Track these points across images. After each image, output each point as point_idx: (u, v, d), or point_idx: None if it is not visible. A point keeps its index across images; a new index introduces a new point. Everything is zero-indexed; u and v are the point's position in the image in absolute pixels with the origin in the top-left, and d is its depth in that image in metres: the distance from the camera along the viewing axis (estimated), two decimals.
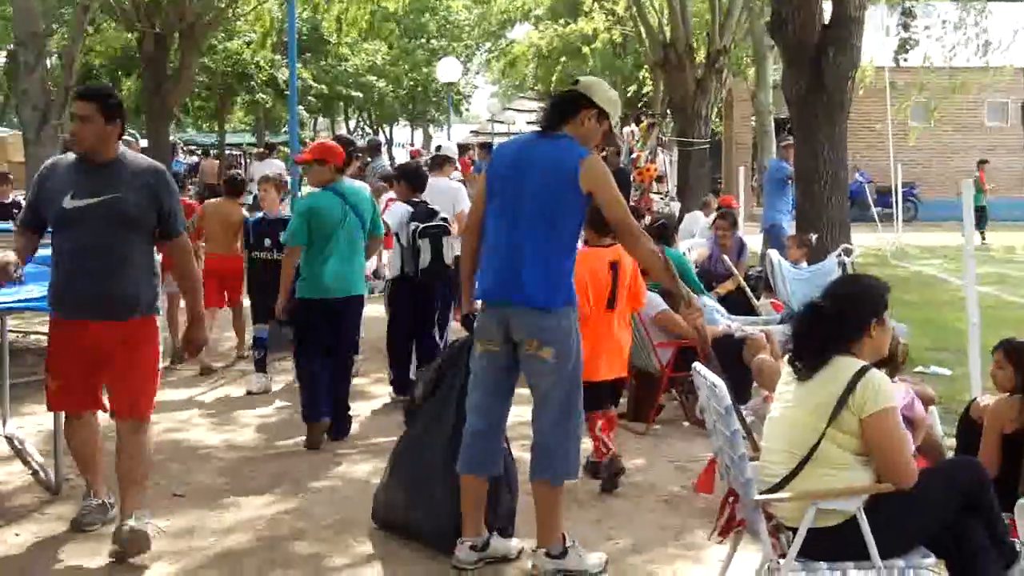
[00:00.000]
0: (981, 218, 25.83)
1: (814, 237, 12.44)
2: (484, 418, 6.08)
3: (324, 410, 8.92)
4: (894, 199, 27.00)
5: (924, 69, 24.91)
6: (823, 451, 4.86)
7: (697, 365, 5.50)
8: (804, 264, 11.99)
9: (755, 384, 8.56)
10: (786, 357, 5.25)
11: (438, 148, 12.51)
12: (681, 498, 7.60)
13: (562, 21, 37.08)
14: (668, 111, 26.86)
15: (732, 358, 9.40)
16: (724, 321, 9.99)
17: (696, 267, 12.64)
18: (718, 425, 5.16)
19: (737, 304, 11.43)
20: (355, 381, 10.15)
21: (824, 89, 12.75)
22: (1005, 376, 6.48)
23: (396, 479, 6.73)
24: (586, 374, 6.42)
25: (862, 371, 4.86)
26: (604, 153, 26.27)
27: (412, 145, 46.34)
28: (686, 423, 9.76)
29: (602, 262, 7.97)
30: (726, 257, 12.24)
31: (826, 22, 12.99)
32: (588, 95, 6.00)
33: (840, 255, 11.81)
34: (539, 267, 5.83)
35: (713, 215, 16.21)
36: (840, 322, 5.00)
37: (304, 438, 8.96)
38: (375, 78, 44.12)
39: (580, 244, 6.64)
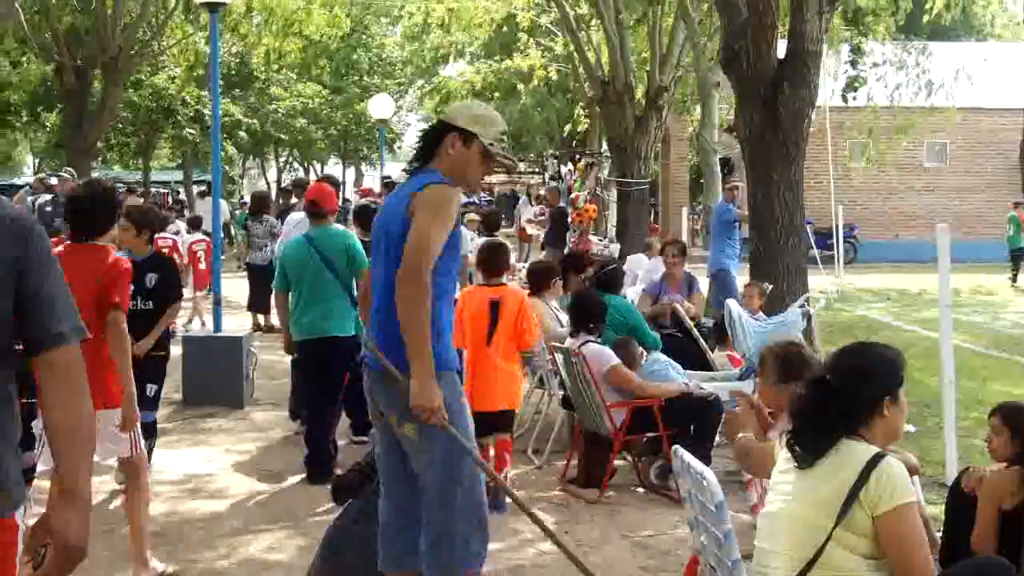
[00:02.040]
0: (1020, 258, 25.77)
1: (768, 286, 11.69)
2: (387, 506, 5.31)
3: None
4: (835, 241, 26.52)
5: (868, 109, 24.51)
6: (830, 555, 4.06)
7: (678, 448, 4.72)
8: (761, 314, 11.24)
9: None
10: (783, 439, 4.47)
11: (386, 178, 11.97)
12: None
13: (497, 58, 36.49)
14: (606, 150, 26.26)
15: (691, 420, 8.71)
16: (680, 378, 9.22)
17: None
18: (705, 523, 4.37)
19: (687, 356, 10.69)
20: None
21: (779, 127, 12.02)
22: (1002, 444, 5.82)
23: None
24: (477, 405, 6.89)
25: (875, 460, 4.08)
26: (543, 191, 25.78)
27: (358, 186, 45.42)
28: (640, 488, 9.01)
29: (483, 300, 8.54)
30: (677, 304, 11.52)
31: (781, 56, 12.29)
32: (449, 120, 5.25)
33: (803, 304, 11.03)
34: (389, 328, 5.02)
35: (657, 257, 15.54)
36: (848, 400, 4.22)
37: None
38: (305, 121, 43.31)
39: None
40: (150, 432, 8.41)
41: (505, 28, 33.20)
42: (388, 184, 25.64)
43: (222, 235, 16.36)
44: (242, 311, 18.22)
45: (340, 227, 9.76)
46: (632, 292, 13.06)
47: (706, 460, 8.57)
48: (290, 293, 9.37)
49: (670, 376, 9.13)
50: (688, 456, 4.55)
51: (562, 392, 9.62)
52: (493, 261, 8.91)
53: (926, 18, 19.81)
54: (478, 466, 5.06)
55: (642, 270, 15.35)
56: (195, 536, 7.66)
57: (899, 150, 30.52)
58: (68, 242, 6.67)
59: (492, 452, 8.50)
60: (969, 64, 27.50)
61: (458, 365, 5.20)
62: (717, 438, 8.94)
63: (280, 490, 8.99)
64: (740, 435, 5.19)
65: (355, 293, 9.04)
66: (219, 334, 12.41)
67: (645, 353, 9.43)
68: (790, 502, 4.22)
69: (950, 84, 25.38)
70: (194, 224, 20.26)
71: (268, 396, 12.60)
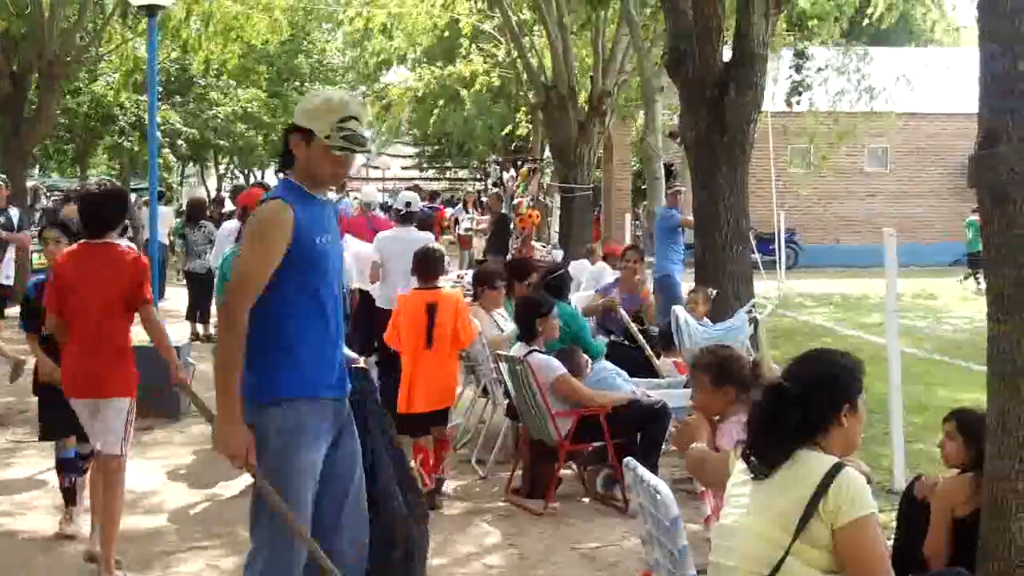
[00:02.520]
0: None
1: (714, 292, 11.54)
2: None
3: None
4: (777, 246, 26.52)
5: (809, 114, 24.51)
6: (788, 569, 3.91)
7: (631, 461, 4.55)
8: (707, 320, 11.10)
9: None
10: (738, 450, 4.31)
11: (408, 204, 12.44)
12: None
13: (439, 64, 36.23)
14: (549, 156, 26.13)
15: (638, 429, 8.57)
16: (627, 386, 9.07)
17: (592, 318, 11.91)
18: (659, 538, 4.20)
19: (633, 364, 10.54)
20: None
21: (725, 130, 11.87)
22: (955, 450, 5.77)
23: None
24: (403, 407, 8.49)
25: (834, 470, 3.94)
26: (485, 198, 25.63)
27: None
28: (586, 499, 8.86)
29: (420, 304, 8.92)
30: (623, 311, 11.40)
31: (727, 59, 12.17)
32: (295, 120, 4.92)
33: (751, 310, 10.90)
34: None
35: (600, 263, 15.41)
36: (806, 408, 4.08)
37: None
38: (245, 127, 42.82)
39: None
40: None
41: (447, 34, 32.97)
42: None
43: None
44: (181, 320, 17.93)
45: None
46: (575, 298, 12.92)
47: (654, 469, 8.45)
48: None
49: (617, 384, 9.00)
50: (641, 469, 4.38)
51: (507, 401, 9.44)
52: (428, 266, 9.23)
53: (866, 22, 19.85)
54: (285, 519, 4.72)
55: (585, 276, 15.21)
56: (132, 553, 7.41)
57: (840, 155, 30.56)
58: (83, 241, 6.93)
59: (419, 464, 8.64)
60: (909, 70, 27.58)
61: (320, 391, 4.82)
62: (664, 446, 8.80)
63: (217, 504, 8.77)
64: (693, 445, 5.03)
65: None
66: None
67: (591, 361, 9.27)
68: (746, 515, 4.07)
69: (891, 89, 25.40)
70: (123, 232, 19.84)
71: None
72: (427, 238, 11.89)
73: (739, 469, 4.24)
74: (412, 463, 8.00)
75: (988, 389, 5.54)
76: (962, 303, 23.28)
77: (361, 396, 5.33)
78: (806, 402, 4.08)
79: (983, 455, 5.36)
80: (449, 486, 9.21)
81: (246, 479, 9.12)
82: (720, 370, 5.84)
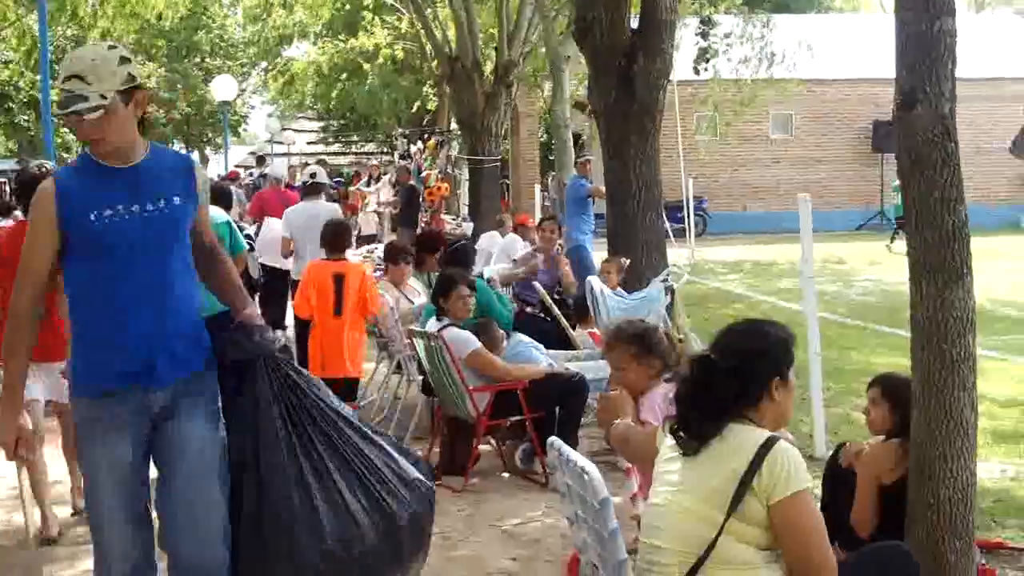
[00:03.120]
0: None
1: (627, 262, 11.42)
2: None
3: None
4: (686, 213, 26.57)
5: (714, 82, 24.52)
6: (723, 548, 3.78)
7: (555, 440, 4.39)
8: (621, 290, 10.97)
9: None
10: (666, 425, 4.17)
11: (313, 175, 12.64)
12: (516, 575, 6.51)
13: (342, 37, 35.82)
14: (456, 128, 25.91)
15: (557, 402, 8.44)
16: (544, 359, 8.93)
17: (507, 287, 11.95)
18: (588, 520, 4.05)
19: (549, 336, 10.41)
20: None
21: (635, 99, 11.72)
22: (881, 416, 5.71)
23: None
24: (317, 372, 7.57)
25: (767, 444, 3.81)
26: (394, 172, 25.33)
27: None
28: (506, 474, 8.72)
29: (327, 274, 9.27)
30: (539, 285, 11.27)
31: (635, 27, 12.03)
32: None
33: (666, 279, 10.78)
34: None
35: (511, 234, 15.28)
36: (736, 380, 3.94)
37: None
38: None
39: None
40: None
41: (348, 6, 32.60)
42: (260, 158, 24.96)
43: None
44: None
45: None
46: (488, 270, 12.81)
47: (573, 443, 8.34)
48: None
49: (533, 357, 8.85)
50: (566, 449, 4.22)
51: (422, 378, 9.25)
52: (335, 237, 9.65)
53: None
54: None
55: (496, 248, 15.07)
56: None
57: (745, 122, 30.72)
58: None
59: None
60: (811, 37, 27.76)
61: (108, 382, 4.38)
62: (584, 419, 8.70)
63: None
64: (616, 421, 4.88)
65: None
66: None
67: (506, 335, 9.12)
68: (677, 493, 3.93)
69: (793, 56, 25.50)
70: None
71: None
72: (333, 209, 12.31)
73: (667, 445, 4.10)
74: None
75: (912, 354, 5.52)
76: (870, 267, 23.46)
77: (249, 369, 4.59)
78: (736, 374, 3.94)
79: (908, 421, 5.34)
80: None
81: None
82: (643, 343, 5.64)
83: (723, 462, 3.83)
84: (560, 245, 12.49)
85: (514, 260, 13.03)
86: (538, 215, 19.00)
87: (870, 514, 5.32)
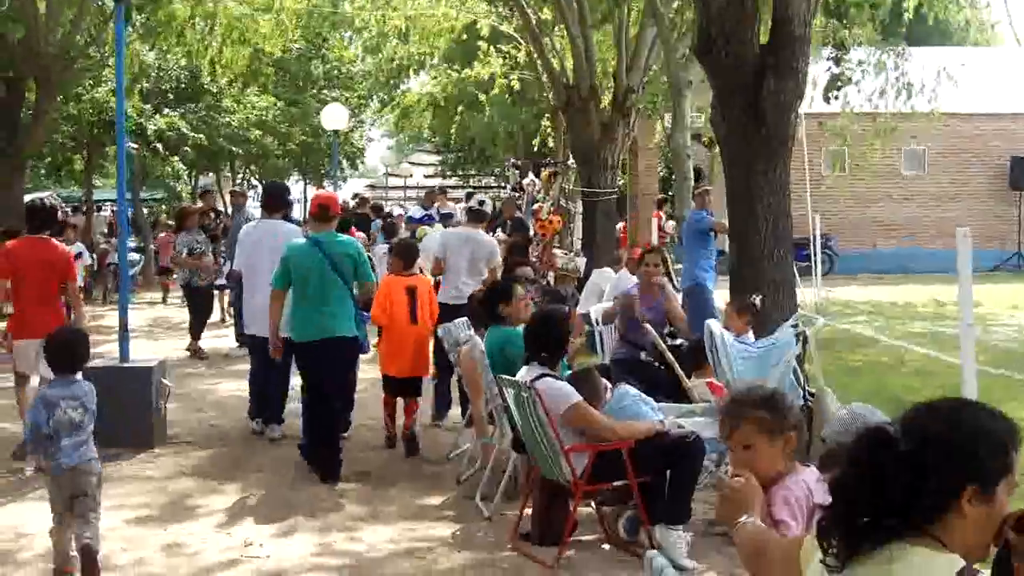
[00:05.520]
0: None
1: (758, 299, 10.11)
2: None
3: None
4: (813, 252, 25.18)
5: (844, 114, 23.19)
6: None
7: (653, 554, 3.26)
8: (750, 336, 9.71)
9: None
10: (812, 531, 2.99)
11: (481, 203, 13.82)
12: None
13: (456, 67, 35.10)
14: (571, 159, 24.88)
15: (667, 465, 7.32)
16: (654, 415, 7.76)
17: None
18: None
19: (660, 385, 9.27)
20: None
21: (763, 122, 10.45)
22: None
23: None
24: (390, 370, 10.84)
25: None
26: (502, 202, 24.44)
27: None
28: (606, 546, 7.58)
29: (401, 287, 10.94)
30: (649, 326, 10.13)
31: (764, 43, 10.79)
32: None
33: (797, 324, 9.48)
34: None
35: (623, 271, 14.19)
36: (917, 472, 2.72)
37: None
38: (260, 133, 41.71)
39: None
40: None
41: (465, 36, 31.88)
42: (362, 201, 24.47)
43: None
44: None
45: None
46: (595, 309, 11.77)
47: (687, 512, 7.23)
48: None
49: (642, 412, 7.67)
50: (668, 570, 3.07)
51: (513, 433, 8.17)
52: (407, 256, 11.36)
53: (902, 21, 18.74)
54: None
55: (608, 285, 13.97)
56: None
57: (876, 157, 29.29)
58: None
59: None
60: (947, 69, 26.32)
61: None
62: (698, 488, 7.55)
63: (182, 558, 7.52)
64: (743, 519, 3.61)
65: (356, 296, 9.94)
66: (125, 364, 10.83)
67: (610, 386, 7.97)
68: None
69: (933, 87, 24.05)
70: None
71: (188, 433, 11.20)
72: (490, 240, 13.24)
73: (815, 562, 2.94)
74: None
75: None
76: (1010, 311, 21.95)
77: None
78: (925, 471, 2.72)
79: None
80: (448, 530, 7.99)
81: (217, 529, 8.00)
82: (776, 411, 4.32)
83: None
84: (656, 277, 11.27)
85: (615, 297, 11.93)
86: None
87: None
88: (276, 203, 11.65)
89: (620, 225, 26.97)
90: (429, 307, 10.94)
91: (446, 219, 19.82)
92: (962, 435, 2.74)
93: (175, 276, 24.90)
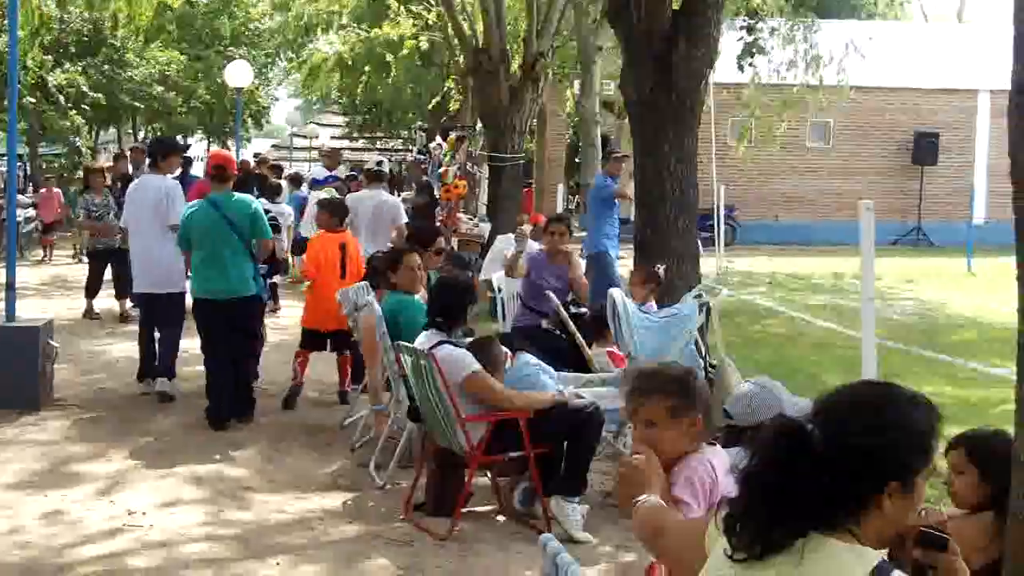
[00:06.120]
0: None
1: (662, 269, 9.98)
2: None
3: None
4: (716, 222, 25.25)
5: (753, 85, 23.23)
6: None
7: (547, 538, 3.08)
8: (652, 305, 9.58)
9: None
10: (718, 515, 2.81)
11: (379, 163, 14.69)
12: None
13: (365, 27, 34.65)
14: (479, 123, 24.64)
15: (565, 436, 7.17)
16: (553, 385, 7.59)
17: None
18: None
19: (560, 353, 9.10)
20: None
21: (674, 89, 10.30)
22: (967, 486, 4.48)
23: None
24: (311, 323, 11.07)
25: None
26: (408, 165, 24.20)
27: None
28: (501, 517, 7.42)
29: (334, 243, 11.13)
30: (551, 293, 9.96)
31: (677, 7, 10.61)
32: None
33: (700, 294, 9.34)
34: None
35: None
36: (841, 472, 2.55)
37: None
38: (163, 89, 40.86)
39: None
40: None
41: None
42: (261, 161, 24.01)
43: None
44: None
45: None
46: (498, 276, 11.61)
47: (583, 483, 7.10)
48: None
49: (541, 382, 7.50)
50: (561, 556, 2.90)
51: (408, 401, 7.95)
52: (338, 212, 11.57)
53: None
54: None
55: (512, 249, 13.78)
56: None
57: (782, 129, 29.42)
58: None
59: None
60: (856, 42, 26.43)
61: None
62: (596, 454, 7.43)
63: (64, 526, 7.22)
64: (642, 498, 3.43)
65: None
66: (10, 324, 10.42)
67: (511, 355, 7.78)
68: None
69: (841, 60, 24.17)
70: None
71: (75, 396, 10.84)
72: (395, 201, 14.24)
73: (719, 547, 2.76)
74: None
75: (1017, 402, 4.34)
76: (907, 284, 22.20)
77: None
78: (844, 463, 2.55)
79: (1005, 490, 4.12)
80: (340, 499, 7.78)
81: (100, 496, 7.73)
82: (684, 391, 4.07)
83: None
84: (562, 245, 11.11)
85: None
86: None
87: None
88: (159, 157, 11.40)
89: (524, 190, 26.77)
90: (356, 265, 11.08)
91: (351, 180, 19.61)
92: (886, 438, 2.56)
93: (55, 234, 24.49)
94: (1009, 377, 11.27)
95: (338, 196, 14.70)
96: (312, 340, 10.99)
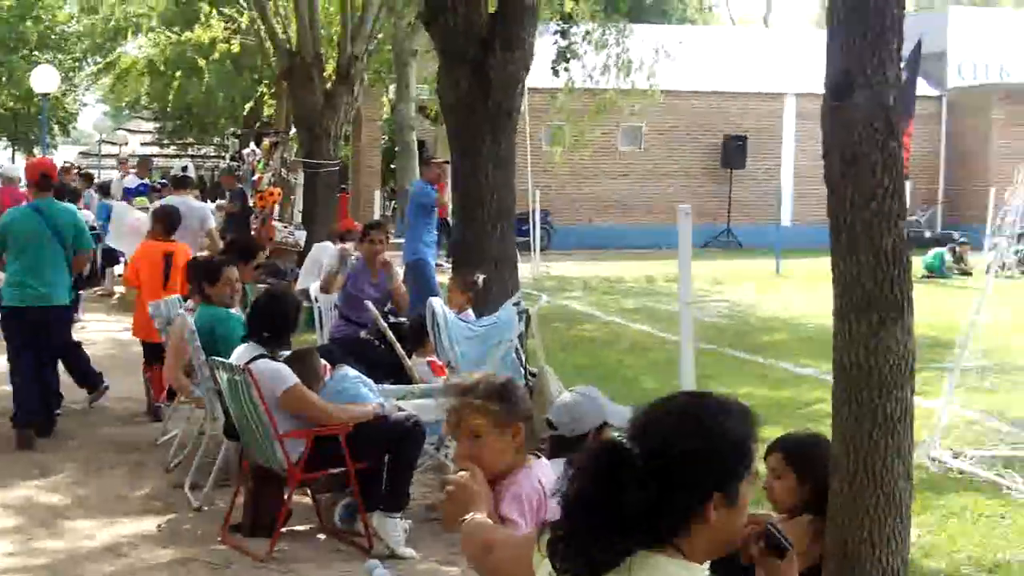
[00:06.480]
0: None
1: (482, 278, 9.89)
2: None
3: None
4: (532, 227, 25.39)
5: (566, 90, 23.38)
6: None
7: (374, 564, 2.96)
8: (470, 313, 9.48)
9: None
10: (540, 539, 2.74)
11: (184, 168, 14.12)
12: None
13: (176, 30, 33.92)
14: (293, 128, 24.34)
15: (386, 450, 7.06)
16: (373, 398, 7.45)
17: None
18: None
19: (380, 364, 8.97)
20: None
21: (490, 93, 10.29)
22: (786, 489, 4.59)
23: None
24: (139, 334, 10.87)
25: None
26: (220, 173, 23.72)
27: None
28: (322, 535, 7.28)
29: (158, 252, 10.94)
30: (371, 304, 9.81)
31: (492, 11, 10.59)
32: None
33: (519, 302, 9.30)
34: None
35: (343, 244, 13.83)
36: (661, 488, 2.49)
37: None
38: None
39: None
40: None
41: None
42: (65, 170, 23.23)
43: None
44: None
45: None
46: (315, 286, 11.40)
47: (405, 497, 7.00)
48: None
49: (360, 395, 7.35)
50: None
51: (224, 417, 7.73)
52: (168, 221, 11.32)
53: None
54: None
55: (327, 257, 13.56)
56: None
57: (594, 134, 29.74)
58: None
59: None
60: (665, 47, 26.84)
61: None
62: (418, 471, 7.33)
63: None
64: (469, 517, 3.31)
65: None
66: None
67: (329, 367, 7.61)
68: None
69: (651, 64, 24.52)
70: None
71: None
72: (203, 206, 14.05)
73: (544, 569, 2.68)
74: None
75: (833, 409, 4.57)
76: (715, 286, 22.62)
77: None
78: (663, 478, 2.50)
79: (822, 493, 4.43)
80: (154, 522, 7.52)
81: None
82: (507, 401, 3.92)
83: None
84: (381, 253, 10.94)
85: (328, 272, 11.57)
86: None
87: None
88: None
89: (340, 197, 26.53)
90: (181, 275, 10.63)
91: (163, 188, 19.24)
92: (706, 449, 2.52)
93: None
94: (818, 376, 11.62)
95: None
96: (153, 351, 10.46)
